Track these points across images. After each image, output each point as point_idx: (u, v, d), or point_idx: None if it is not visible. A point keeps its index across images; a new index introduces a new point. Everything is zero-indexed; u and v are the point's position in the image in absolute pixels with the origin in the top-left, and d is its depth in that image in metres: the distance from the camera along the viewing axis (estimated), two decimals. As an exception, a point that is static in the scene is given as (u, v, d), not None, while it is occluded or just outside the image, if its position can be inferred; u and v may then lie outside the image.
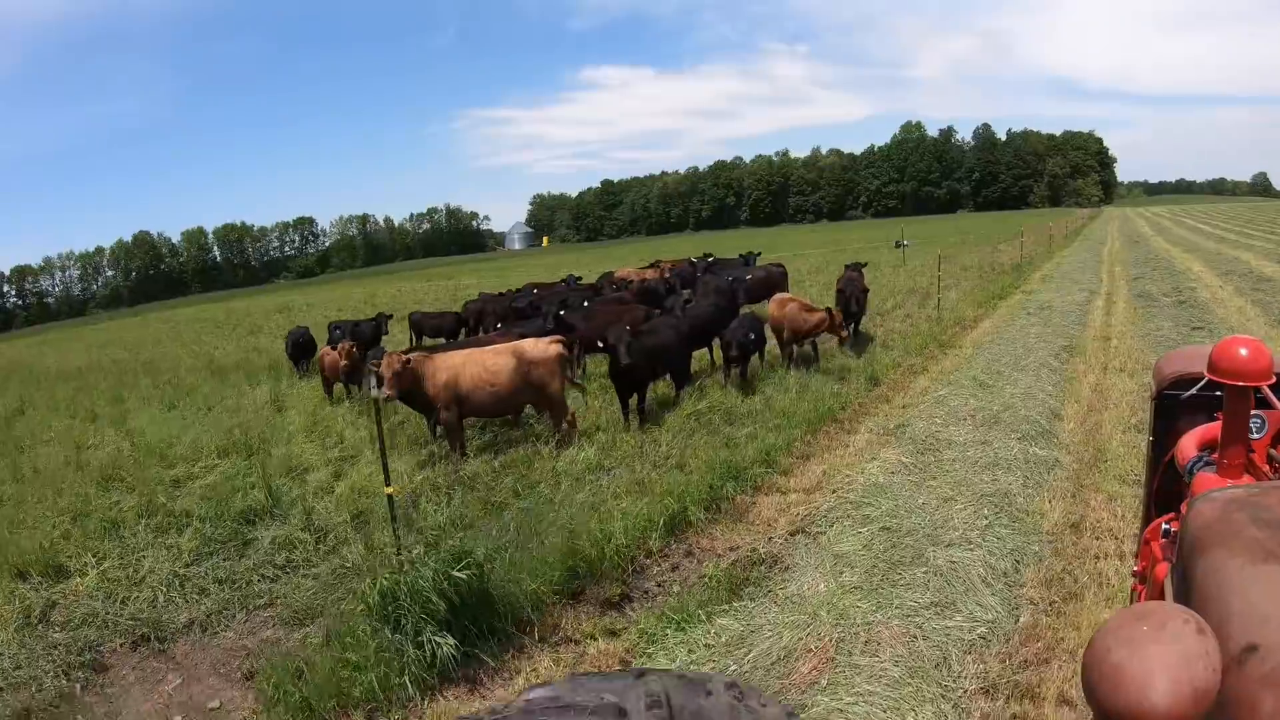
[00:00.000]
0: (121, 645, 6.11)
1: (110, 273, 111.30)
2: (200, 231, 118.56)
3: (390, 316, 17.74)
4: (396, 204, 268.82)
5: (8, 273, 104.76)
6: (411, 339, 18.28)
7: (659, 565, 5.87)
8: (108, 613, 6.55)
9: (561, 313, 11.77)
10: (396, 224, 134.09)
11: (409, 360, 8.67)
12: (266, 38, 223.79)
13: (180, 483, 9.96)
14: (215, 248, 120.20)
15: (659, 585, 5.61)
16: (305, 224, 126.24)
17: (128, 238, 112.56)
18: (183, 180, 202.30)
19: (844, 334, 11.74)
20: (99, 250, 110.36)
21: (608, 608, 5.35)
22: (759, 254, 21.47)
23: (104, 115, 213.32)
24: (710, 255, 22.51)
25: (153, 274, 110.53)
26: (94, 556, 7.63)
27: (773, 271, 17.20)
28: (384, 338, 16.13)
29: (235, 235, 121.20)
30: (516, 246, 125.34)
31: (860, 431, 8.40)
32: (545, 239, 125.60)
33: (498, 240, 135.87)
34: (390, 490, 5.46)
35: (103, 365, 26.25)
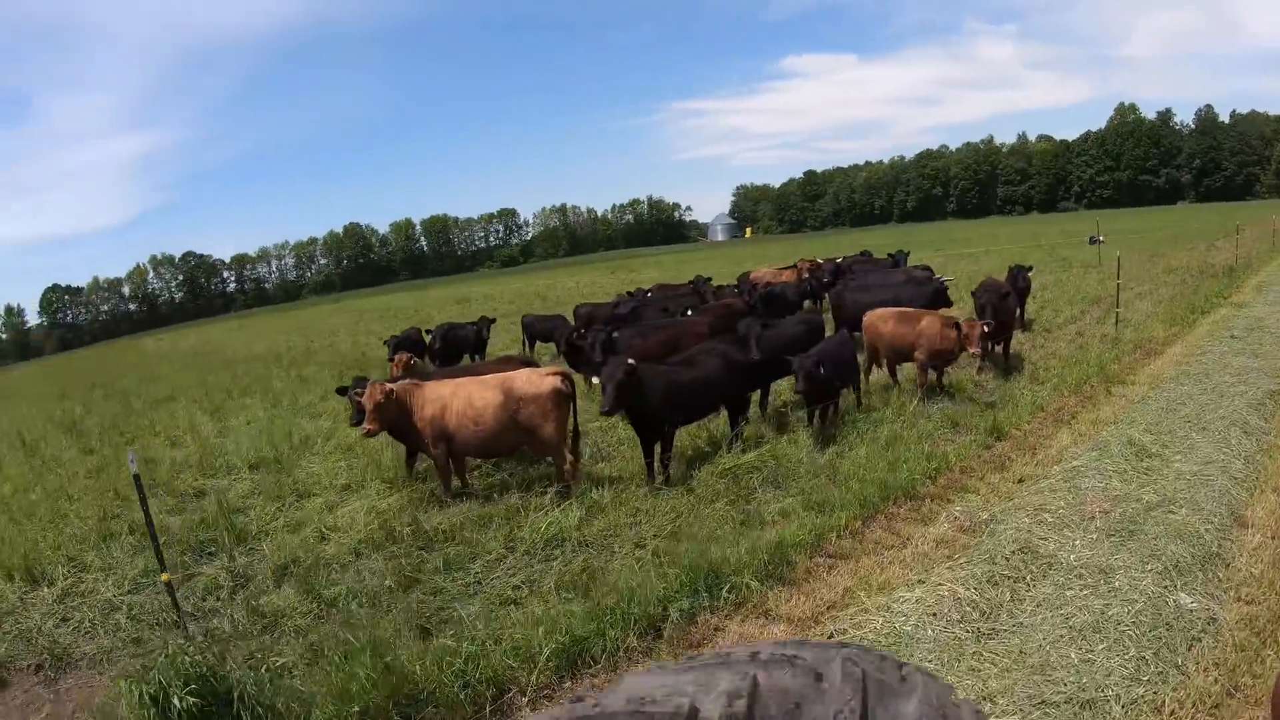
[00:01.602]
0: (29, 666, 6.52)
1: (323, 261, 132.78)
2: (408, 223, 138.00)
3: (493, 320, 18.16)
4: (599, 195, 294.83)
5: (228, 260, 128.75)
6: (524, 344, 18.56)
7: (547, 705, 4.83)
8: (41, 629, 7.13)
9: (615, 334, 10.91)
10: (599, 215, 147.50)
11: (392, 391, 8.42)
12: (469, 37, 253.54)
13: (203, 494, 10.75)
14: (422, 238, 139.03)
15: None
16: (508, 215, 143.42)
17: (339, 229, 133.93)
18: (391, 176, 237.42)
19: (974, 349, 9.69)
20: (312, 240, 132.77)
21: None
22: (908, 254, 20.92)
23: (315, 117, 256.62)
24: (867, 252, 21.40)
25: (362, 262, 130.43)
26: (71, 569, 8.35)
27: (912, 279, 14.89)
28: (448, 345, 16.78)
29: (440, 226, 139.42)
30: (719, 238, 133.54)
31: (938, 521, 6.62)
32: (749, 230, 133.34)
33: (700, 231, 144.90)
34: (165, 578, 5.53)
35: (271, 354, 30.42)
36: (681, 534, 6.71)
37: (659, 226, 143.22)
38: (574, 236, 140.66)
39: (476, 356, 17.74)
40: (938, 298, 12.71)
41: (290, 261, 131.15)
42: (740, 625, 5.36)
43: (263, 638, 5.99)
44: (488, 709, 4.81)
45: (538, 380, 8.20)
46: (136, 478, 5.69)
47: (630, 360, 7.87)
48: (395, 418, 8.48)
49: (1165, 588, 5.19)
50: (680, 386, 8.30)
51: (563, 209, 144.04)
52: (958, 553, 5.99)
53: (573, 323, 17.14)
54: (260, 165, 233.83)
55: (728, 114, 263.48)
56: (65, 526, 9.97)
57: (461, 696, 4.79)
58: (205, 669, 4.51)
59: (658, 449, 8.27)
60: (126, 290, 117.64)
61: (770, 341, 9.73)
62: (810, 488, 7.42)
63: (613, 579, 5.89)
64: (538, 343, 18.36)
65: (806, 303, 16.79)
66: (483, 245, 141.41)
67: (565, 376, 8.23)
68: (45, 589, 8.03)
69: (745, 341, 9.39)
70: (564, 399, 8.12)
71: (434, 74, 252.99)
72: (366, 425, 8.28)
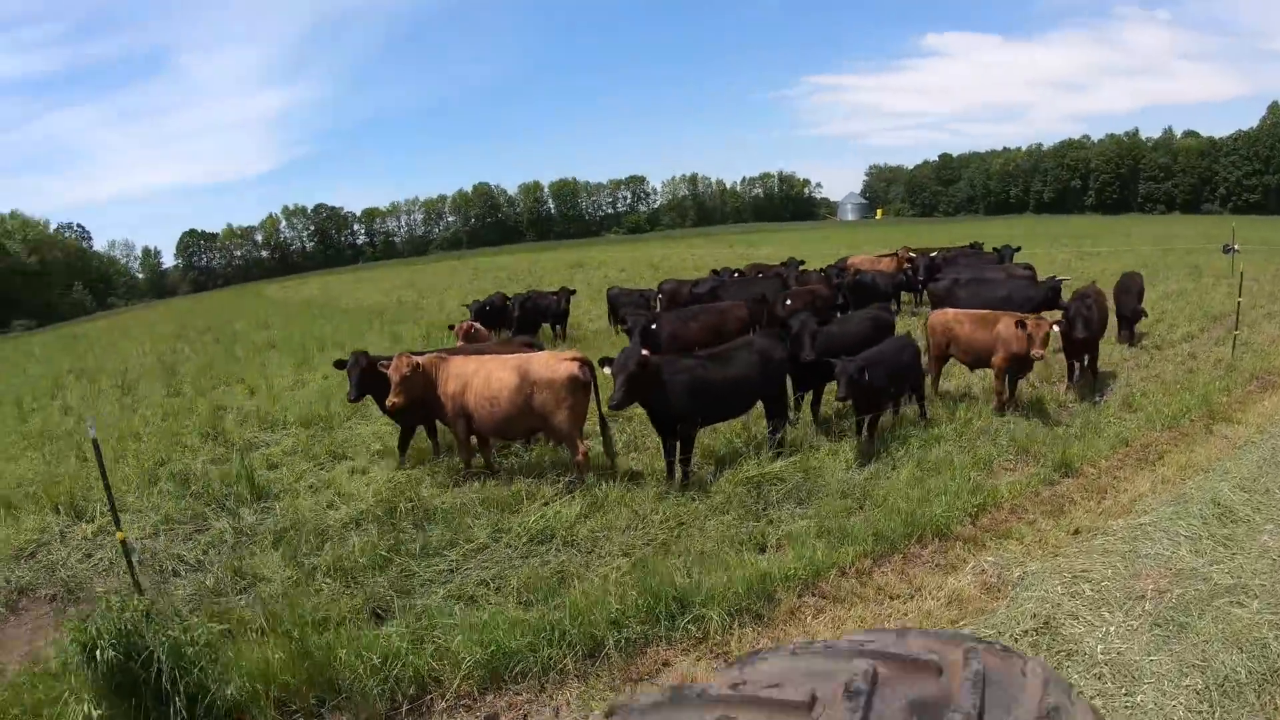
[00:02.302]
0: (45, 595, 7.38)
1: (451, 218, 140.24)
2: (536, 185, 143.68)
3: (574, 291, 18.29)
4: (729, 167, 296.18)
5: (359, 213, 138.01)
6: (611, 317, 18.65)
7: (463, 716, 4.84)
8: (66, 563, 7.94)
9: (654, 325, 10.71)
10: (728, 187, 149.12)
11: (419, 365, 8.65)
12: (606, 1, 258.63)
13: (253, 446, 11.49)
14: (549, 200, 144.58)
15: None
16: (636, 182, 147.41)
17: (468, 189, 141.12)
18: (522, 138, 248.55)
19: (1037, 351, 8.86)
20: (441, 198, 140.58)
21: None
22: (1017, 249, 19.64)
23: (449, 77, 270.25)
24: (977, 244, 20.07)
25: (490, 221, 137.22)
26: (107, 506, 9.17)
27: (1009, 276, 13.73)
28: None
29: (568, 190, 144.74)
30: (849, 217, 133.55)
31: (961, 571, 5.98)
32: (879, 211, 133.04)
33: (830, 209, 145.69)
34: (120, 535, 6.01)
35: (378, 308, 32.11)
36: (673, 547, 6.51)
37: (788, 202, 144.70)
38: (702, 207, 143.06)
39: (557, 326, 18.04)
40: (1052, 298, 11.78)
41: (419, 217, 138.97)
42: (693, 664, 5.11)
43: (232, 598, 6.33)
44: (404, 709, 4.87)
45: (554, 365, 8.17)
46: (95, 443, 6.19)
47: (645, 351, 7.68)
48: (421, 391, 8.69)
49: (1201, 717, 4.35)
50: (705, 383, 8.00)
51: (693, 179, 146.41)
52: (967, 617, 5.39)
53: (659, 298, 17.08)
54: (394, 123, 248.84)
55: (864, 90, 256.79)
56: (123, 466, 10.90)
57: (378, 691, 4.87)
58: (132, 627, 4.78)
59: (678, 448, 8.06)
60: (259, 238, 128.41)
61: (827, 339, 9.21)
62: (830, 510, 6.98)
63: (575, 590, 5.80)
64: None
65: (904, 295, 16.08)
66: (610, 211, 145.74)
67: (584, 363, 8.14)
68: (84, 525, 8.86)
69: (797, 338, 8.94)
70: (580, 386, 8.05)
71: (568, 37, 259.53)
72: (392, 398, 8.51)
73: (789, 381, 9.49)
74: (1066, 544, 6.39)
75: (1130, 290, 13.06)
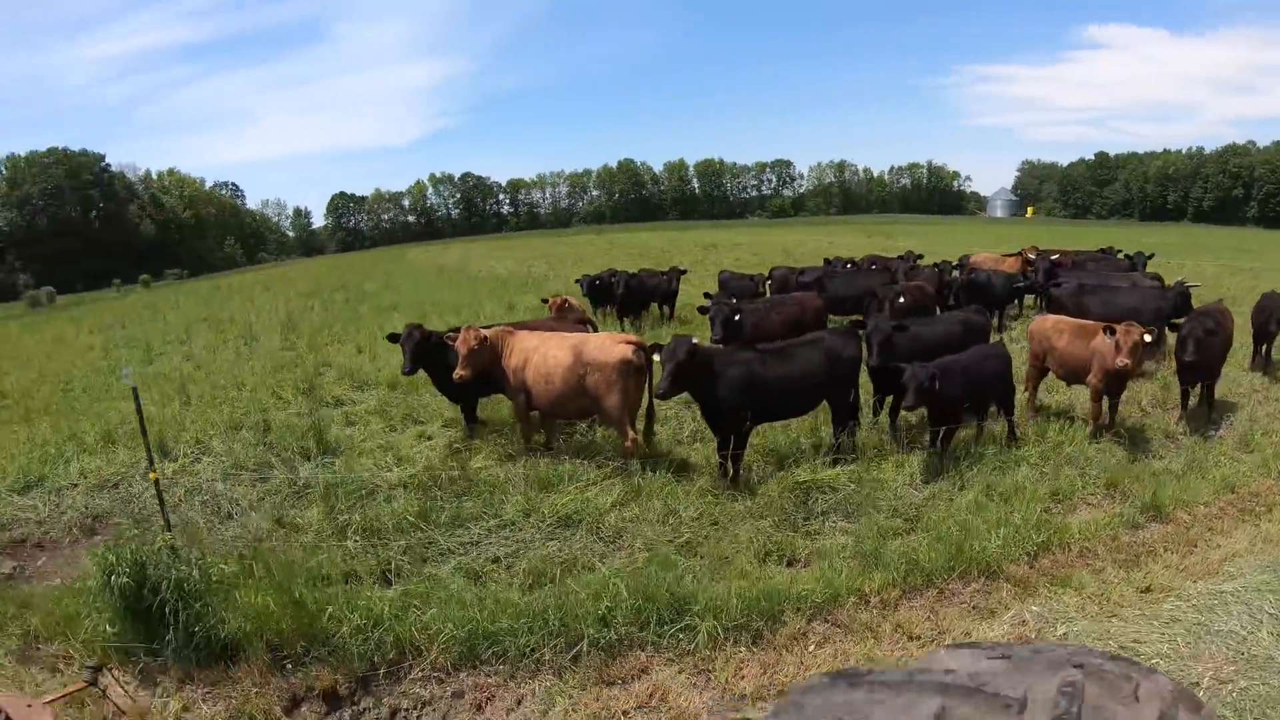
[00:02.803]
0: (115, 525, 8.16)
1: (595, 193, 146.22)
2: (681, 164, 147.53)
3: (684, 271, 18.21)
4: (877, 155, 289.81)
5: (504, 183, 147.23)
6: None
7: (433, 687, 5.06)
8: (140, 497, 8.79)
9: (736, 316, 10.49)
10: (875, 175, 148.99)
11: (486, 338, 8.96)
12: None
13: (340, 403, 12.25)
14: (694, 180, 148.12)
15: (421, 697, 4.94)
16: (782, 166, 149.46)
17: (614, 164, 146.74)
18: (669, 116, 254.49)
19: (1123, 360, 8.06)
20: (586, 172, 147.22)
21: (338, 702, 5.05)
22: (1149, 256, 18.10)
23: (598, 53, 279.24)
24: (1110, 250, 19.04)
25: (633, 198, 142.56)
26: (195, 450, 10.09)
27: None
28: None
29: (713, 170, 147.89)
30: (998, 214, 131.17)
31: (997, 620, 5.48)
32: (1030, 209, 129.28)
33: (979, 205, 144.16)
34: (154, 475, 6.68)
35: (507, 277, 33.29)
36: (699, 548, 6.46)
37: (936, 194, 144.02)
38: (847, 195, 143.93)
39: (665, 307, 18.10)
40: (1182, 305, 10.87)
41: (564, 190, 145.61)
42: (672, 676, 5.05)
43: (263, 545, 6.82)
44: (381, 671, 5.17)
45: (609, 347, 8.23)
46: (135, 391, 6.94)
47: (694, 339, 7.61)
48: (487, 364, 8.98)
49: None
50: (761, 379, 7.79)
51: (840, 165, 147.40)
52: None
53: (768, 284, 16.86)
54: (542, 96, 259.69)
55: (1020, 81, 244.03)
56: (216, 411, 11.90)
57: (359, 651, 5.18)
58: (146, 559, 5.29)
59: (731, 444, 7.94)
60: (406, 203, 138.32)
61: (909, 341, 8.76)
62: (874, 529, 6.65)
63: (576, 581, 5.88)
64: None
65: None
66: (754, 194, 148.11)
67: (639, 347, 8.17)
68: (167, 464, 9.74)
69: (868, 340, 8.58)
70: (633, 370, 8.07)
71: (719, 14, 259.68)
72: (460, 370, 8.81)
73: (869, 383, 9.18)
74: (1130, 603, 5.73)
75: (1269, 312, 11.66)
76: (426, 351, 9.57)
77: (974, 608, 5.74)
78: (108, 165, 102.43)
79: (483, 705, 4.94)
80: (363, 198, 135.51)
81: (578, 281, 19.34)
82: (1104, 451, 8.40)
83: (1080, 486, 7.59)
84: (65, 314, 45.24)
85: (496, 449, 9.43)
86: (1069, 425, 9.09)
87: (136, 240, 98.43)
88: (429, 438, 10.30)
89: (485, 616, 5.31)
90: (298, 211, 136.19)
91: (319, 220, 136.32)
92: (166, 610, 5.27)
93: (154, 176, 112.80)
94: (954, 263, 16.52)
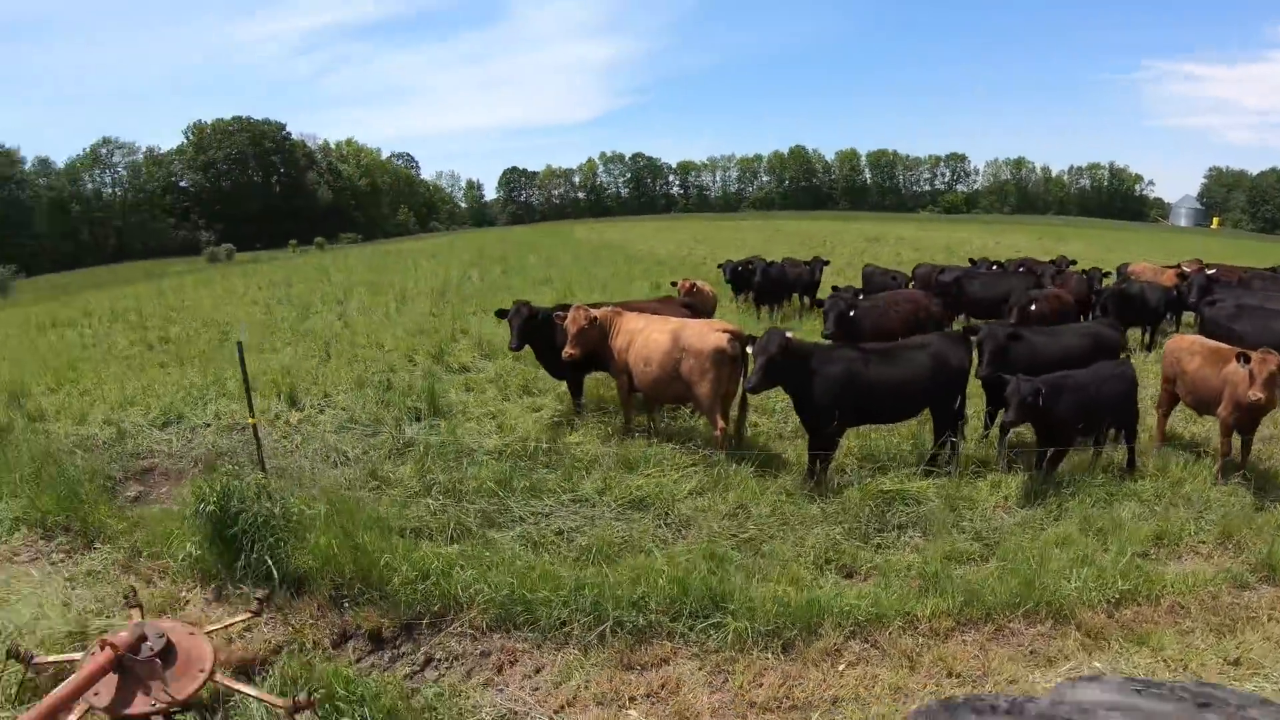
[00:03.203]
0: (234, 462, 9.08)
1: (765, 178, 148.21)
2: (853, 153, 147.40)
3: (827, 263, 17.95)
4: (1055, 153, 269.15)
5: (674, 165, 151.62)
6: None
7: (466, 643, 5.44)
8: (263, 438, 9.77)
9: (851, 312, 10.28)
10: (1053, 175, 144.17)
11: (596, 318, 9.25)
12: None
13: (466, 369, 13.05)
14: (865, 170, 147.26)
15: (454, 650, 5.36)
16: (957, 160, 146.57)
17: (784, 150, 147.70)
18: (842, 103, 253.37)
19: (1255, 394, 7.12)
20: (756, 157, 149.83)
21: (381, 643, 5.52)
22: None
23: (772, 36, 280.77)
24: None
25: (803, 185, 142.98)
26: (320, 401, 11.08)
27: None
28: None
29: (885, 161, 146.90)
30: (1181, 223, 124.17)
31: (1055, 667, 5.01)
32: (1216, 220, 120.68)
33: (1161, 211, 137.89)
34: (251, 420, 7.55)
35: (663, 257, 33.84)
36: (762, 547, 6.43)
37: (1116, 198, 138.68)
38: (1024, 193, 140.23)
39: (805, 297, 17.94)
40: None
41: (734, 174, 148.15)
42: (691, 672, 5.06)
43: (353, 494, 7.44)
44: (424, 622, 5.56)
45: (704, 335, 8.26)
46: (239, 345, 7.60)
47: (789, 334, 7.56)
48: (595, 343, 9.28)
49: None
50: (857, 379, 7.55)
51: (1017, 162, 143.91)
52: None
53: (910, 282, 16.37)
54: (715, 79, 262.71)
55: (1212, 81, 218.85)
56: (350, 369, 12.95)
57: (406, 600, 5.63)
58: (230, 492, 6.03)
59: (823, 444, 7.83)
60: (577, 180, 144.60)
61: (1029, 351, 8.19)
62: (946, 550, 6.29)
63: (623, 563, 6.02)
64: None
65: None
66: (926, 188, 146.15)
67: (735, 337, 8.15)
68: (294, 413, 10.74)
69: (979, 349, 8.21)
70: (726, 359, 8.06)
71: (896, 1, 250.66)
72: (569, 348, 9.14)
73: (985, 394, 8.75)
74: (1210, 674, 5.07)
75: None
76: (533, 328, 9.99)
77: (1031, 651, 5.28)
78: (288, 134, 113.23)
79: (504, 667, 5.15)
80: (534, 173, 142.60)
81: (720, 266, 19.47)
82: (1230, 495, 7.43)
83: (1191, 532, 6.76)
84: (240, 270, 49.84)
85: (597, 427, 9.70)
86: (1195, 461, 8.17)
87: (314, 205, 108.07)
88: (537, 410, 10.75)
89: (526, 585, 5.52)
90: (470, 184, 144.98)
91: (490, 193, 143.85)
92: (244, 539, 5.92)
93: (332, 146, 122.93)
94: (1106, 271, 15.35)
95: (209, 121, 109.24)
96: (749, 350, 7.68)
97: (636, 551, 6.27)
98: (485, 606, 5.52)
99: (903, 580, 5.85)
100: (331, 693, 4.31)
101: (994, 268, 16.57)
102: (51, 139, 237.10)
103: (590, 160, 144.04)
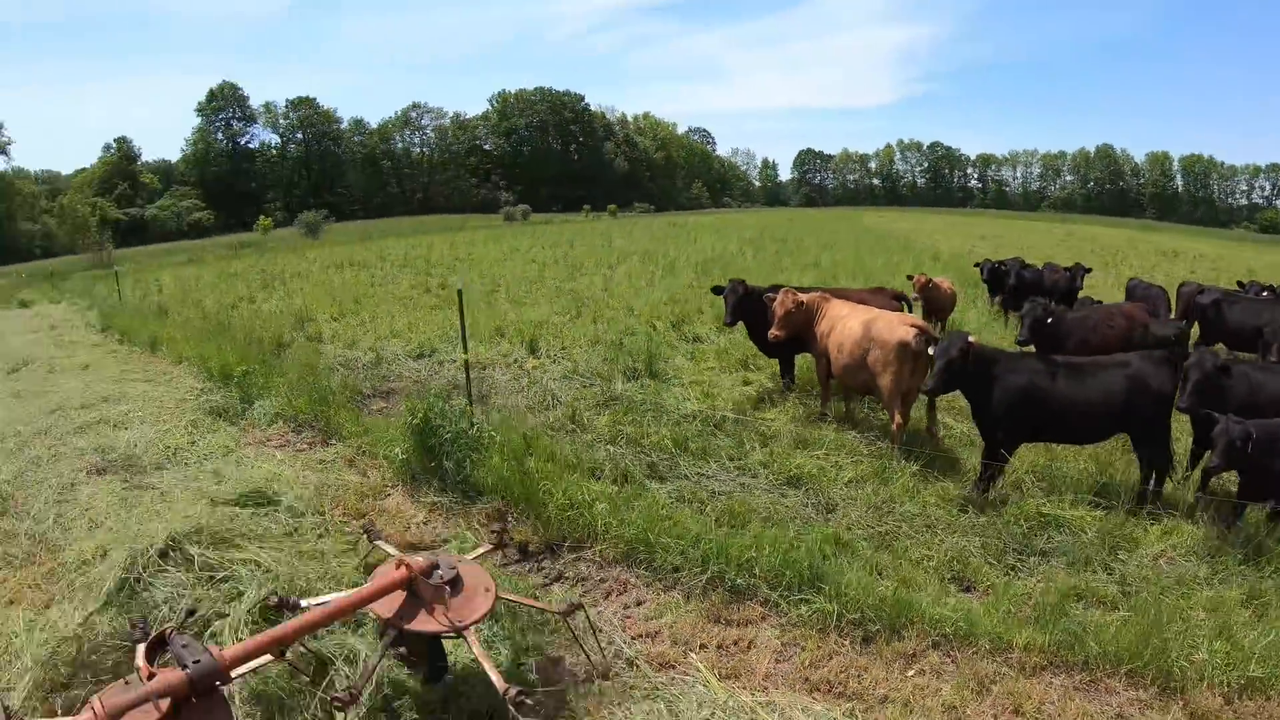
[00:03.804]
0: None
1: (1069, 178, 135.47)
2: (1164, 156, 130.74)
3: (1088, 270, 16.56)
4: None
5: (973, 157, 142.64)
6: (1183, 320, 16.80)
7: (592, 569, 6.20)
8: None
9: (1049, 319, 9.55)
10: None
11: (803, 302, 9.58)
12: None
13: (698, 339, 13.90)
14: (1178, 176, 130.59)
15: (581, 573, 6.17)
16: (1278, 171, 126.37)
17: (1090, 148, 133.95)
18: (1157, 99, 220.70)
19: None
20: (1060, 154, 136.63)
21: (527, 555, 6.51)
22: None
23: (1082, 20, 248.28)
24: None
25: (1108, 188, 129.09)
26: (559, 355, 12.39)
27: None
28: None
29: (1200, 167, 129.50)
30: None
31: None
32: None
33: None
34: (464, 356, 9.04)
35: (949, 253, 32.67)
36: (894, 542, 6.47)
37: None
38: None
39: (1062, 305, 16.80)
40: None
41: (1035, 171, 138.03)
42: (767, 640, 5.33)
43: (549, 433, 8.47)
44: (566, 545, 6.50)
45: (893, 327, 8.26)
46: (459, 293, 8.78)
47: (970, 337, 7.33)
48: (800, 327, 9.64)
49: None
50: (1043, 394, 7.12)
51: None
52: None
53: (1173, 300, 14.76)
54: (1019, 67, 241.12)
55: None
56: (591, 328, 14.21)
57: (557, 521, 6.59)
58: (433, 412, 7.45)
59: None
60: (873, 166, 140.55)
61: (1240, 387, 7.11)
62: (1067, 586, 5.82)
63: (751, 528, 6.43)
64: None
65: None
66: (1244, 201, 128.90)
67: (922, 333, 8.03)
68: (531, 360, 12.11)
69: (1185, 377, 7.35)
70: (910, 355, 7.99)
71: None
72: (775, 330, 9.59)
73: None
74: None
75: None
76: (747, 306, 10.49)
77: (1103, 707, 4.77)
78: (587, 105, 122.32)
79: (611, 595, 5.84)
80: (829, 156, 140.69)
81: (976, 266, 18.66)
82: None
83: None
84: (530, 230, 54.45)
85: (796, 407, 9.99)
86: None
87: (610, 174, 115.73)
88: (748, 384, 11.24)
89: (654, 529, 6.15)
90: (766, 163, 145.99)
91: (785, 174, 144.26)
92: (440, 450, 7.28)
93: (629, 119, 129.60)
94: None
95: (512, 91, 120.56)
96: (931, 351, 7.60)
97: (770, 523, 6.58)
98: (615, 541, 6.26)
99: (1014, 605, 5.58)
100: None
101: (1264, 293, 14.30)
102: (367, 102, 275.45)
103: (888, 146, 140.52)
